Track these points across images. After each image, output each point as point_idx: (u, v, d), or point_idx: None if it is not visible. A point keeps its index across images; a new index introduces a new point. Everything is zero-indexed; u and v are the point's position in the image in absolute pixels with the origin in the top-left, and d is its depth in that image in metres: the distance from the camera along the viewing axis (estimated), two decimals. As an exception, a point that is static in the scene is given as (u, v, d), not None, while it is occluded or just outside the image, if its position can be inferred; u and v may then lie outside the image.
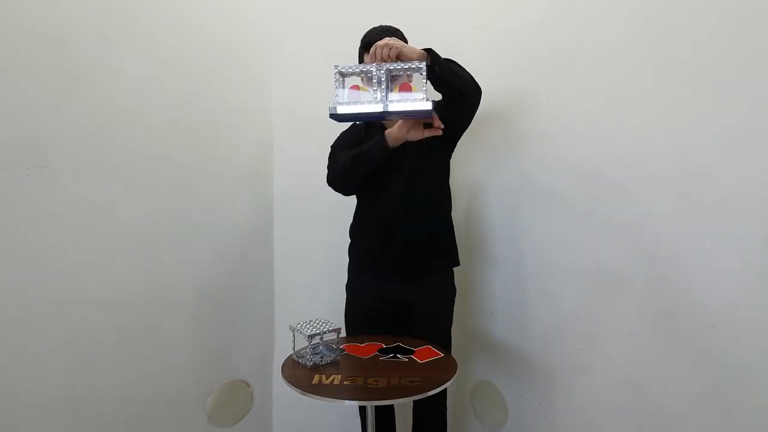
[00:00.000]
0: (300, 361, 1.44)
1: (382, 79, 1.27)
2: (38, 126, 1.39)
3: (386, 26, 1.59)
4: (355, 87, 1.32)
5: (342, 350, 1.49)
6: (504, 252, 1.87)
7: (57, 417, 1.46)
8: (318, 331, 1.42)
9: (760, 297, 1.19)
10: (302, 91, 1.98)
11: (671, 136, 1.35)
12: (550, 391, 1.72)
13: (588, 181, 1.57)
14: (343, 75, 1.32)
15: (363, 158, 1.55)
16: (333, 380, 1.32)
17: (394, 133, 1.50)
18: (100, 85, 1.52)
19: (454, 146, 1.70)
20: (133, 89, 1.60)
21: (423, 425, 1.76)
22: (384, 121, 1.63)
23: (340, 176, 1.61)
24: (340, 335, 1.58)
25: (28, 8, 1.36)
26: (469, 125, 1.63)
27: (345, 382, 1.31)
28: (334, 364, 1.43)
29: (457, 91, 1.47)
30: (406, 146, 1.55)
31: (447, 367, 1.39)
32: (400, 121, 1.48)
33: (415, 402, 1.76)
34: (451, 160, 1.74)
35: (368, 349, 1.49)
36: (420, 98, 1.26)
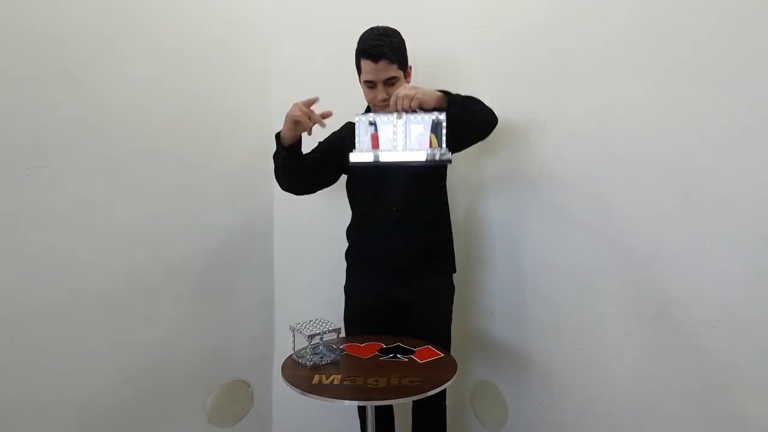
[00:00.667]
0: (300, 361, 1.44)
1: (403, 130, 1.30)
2: (38, 126, 1.39)
3: (382, 29, 1.56)
4: (375, 135, 1.33)
5: (342, 350, 1.49)
6: (504, 252, 1.87)
7: (57, 417, 1.46)
8: (318, 331, 1.42)
9: (760, 297, 1.19)
10: (302, 91, 1.97)
11: (671, 136, 1.35)
12: (550, 391, 1.72)
13: (588, 181, 1.57)
14: (368, 123, 1.34)
15: (274, 159, 1.57)
16: (333, 380, 1.32)
17: (284, 133, 1.48)
18: (100, 85, 1.52)
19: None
20: (133, 89, 1.60)
21: (423, 425, 1.76)
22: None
23: (279, 176, 1.61)
24: (340, 335, 1.58)
25: (28, 8, 1.36)
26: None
27: (345, 382, 1.31)
28: (334, 364, 1.43)
29: (472, 128, 1.50)
30: (396, 171, 1.57)
31: (447, 367, 1.39)
32: (288, 121, 1.44)
33: (414, 402, 1.76)
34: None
35: (368, 349, 1.49)
36: (441, 151, 1.29)
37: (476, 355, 1.99)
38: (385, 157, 1.29)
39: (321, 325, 1.45)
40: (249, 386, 2.00)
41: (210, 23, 1.80)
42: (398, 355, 1.40)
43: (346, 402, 1.24)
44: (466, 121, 1.43)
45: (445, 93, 1.40)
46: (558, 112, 1.65)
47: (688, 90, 1.31)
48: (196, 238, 1.80)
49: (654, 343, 1.41)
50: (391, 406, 1.81)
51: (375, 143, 1.31)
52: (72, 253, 1.48)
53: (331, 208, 1.90)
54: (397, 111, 1.34)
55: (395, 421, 1.85)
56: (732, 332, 1.24)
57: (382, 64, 1.49)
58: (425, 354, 1.45)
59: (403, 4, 1.93)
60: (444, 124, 1.28)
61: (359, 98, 1.65)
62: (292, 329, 1.48)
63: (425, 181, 1.65)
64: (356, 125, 1.32)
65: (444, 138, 1.29)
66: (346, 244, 1.77)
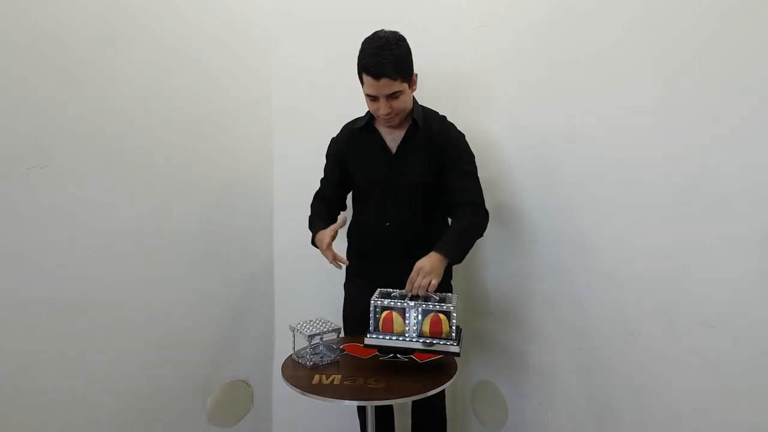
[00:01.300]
0: (300, 361, 1.44)
1: (415, 316, 1.37)
2: (38, 126, 1.39)
3: (384, 39, 1.49)
4: (389, 315, 1.40)
5: (342, 350, 1.49)
6: (504, 252, 1.87)
7: (56, 417, 1.46)
8: (318, 331, 1.42)
9: (760, 297, 1.19)
10: (302, 91, 1.98)
11: (671, 136, 1.35)
12: (550, 391, 1.72)
13: (588, 181, 1.57)
14: (379, 308, 1.42)
15: (311, 226, 1.68)
16: (333, 380, 1.33)
17: (319, 243, 1.58)
18: (100, 85, 1.52)
19: None
20: (133, 89, 1.60)
21: (423, 425, 1.76)
22: (377, 126, 1.64)
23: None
24: (340, 335, 1.58)
25: (28, 8, 1.36)
26: None
27: (345, 382, 1.31)
28: (334, 364, 1.43)
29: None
30: (399, 171, 1.60)
31: (447, 368, 1.39)
32: (326, 243, 1.54)
33: (414, 402, 1.75)
34: None
35: (368, 349, 1.49)
36: (449, 343, 1.35)
37: (476, 355, 1.99)
38: (398, 344, 1.36)
39: (321, 325, 1.45)
40: (249, 386, 2.00)
41: (210, 23, 1.80)
42: (398, 355, 1.40)
43: (346, 402, 1.25)
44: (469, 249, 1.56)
45: (445, 254, 1.46)
46: (558, 111, 1.65)
47: (688, 90, 1.31)
48: (196, 238, 1.80)
49: (654, 343, 1.41)
50: (391, 406, 1.81)
51: (388, 325, 1.38)
52: (72, 253, 1.48)
53: (331, 208, 1.90)
54: (411, 292, 1.42)
55: (395, 421, 1.85)
56: (732, 332, 1.24)
57: (384, 81, 1.46)
58: (425, 354, 1.45)
59: (403, 4, 1.93)
60: (454, 313, 1.37)
61: (359, 98, 1.65)
62: (292, 329, 1.48)
63: (424, 198, 1.65)
64: (371, 307, 1.40)
65: (454, 325, 1.37)
66: (346, 245, 1.78)
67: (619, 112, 1.47)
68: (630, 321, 1.47)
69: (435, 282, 1.40)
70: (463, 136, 1.67)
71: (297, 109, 1.99)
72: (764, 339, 1.19)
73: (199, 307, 1.83)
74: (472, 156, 1.65)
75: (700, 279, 1.30)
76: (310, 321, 1.50)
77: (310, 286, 2.00)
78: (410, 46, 1.56)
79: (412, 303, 1.36)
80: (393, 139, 1.63)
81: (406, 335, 1.36)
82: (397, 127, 1.62)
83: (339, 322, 1.68)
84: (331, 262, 1.57)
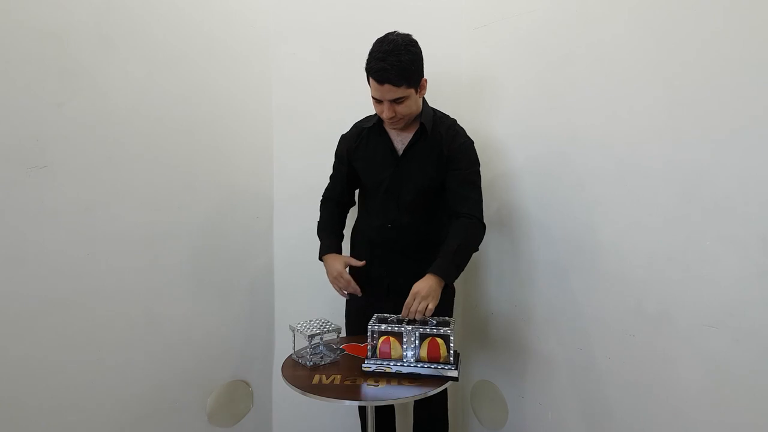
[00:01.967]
0: (300, 361, 1.44)
1: (413, 340, 1.38)
2: (38, 126, 1.39)
3: (392, 44, 1.43)
4: (387, 340, 1.40)
5: (342, 350, 1.49)
6: (504, 252, 1.87)
7: (56, 417, 1.46)
8: (318, 331, 1.42)
9: (760, 297, 1.19)
10: (302, 91, 1.98)
11: (672, 136, 1.35)
12: (550, 391, 1.72)
13: (588, 181, 1.57)
14: (379, 333, 1.42)
15: (319, 236, 1.73)
16: (333, 380, 1.33)
17: (329, 267, 1.63)
18: (100, 85, 1.52)
19: None
20: (133, 89, 1.60)
21: (424, 425, 1.76)
22: (386, 128, 1.63)
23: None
24: (340, 335, 1.58)
25: (28, 8, 1.36)
26: None
27: (345, 382, 1.31)
28: (334, 364, 1.43)
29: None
30: (404, 175, 1.60)
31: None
32: (335, 267, 1.61)
33: (415, 402, 1.76)
34: None
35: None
36: (448, 367, 1.35)
37: (476, 355, 1.99)
38: (396, 368, 1.36)
39: (321, 325, 1.45)
40: (249, 386, 2.00)
41: (210, 23, 1.80)
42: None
43: (346, 402, 1.25)
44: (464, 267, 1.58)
45: (441, 276, 1.47)
46: (558, 111, 1.65)
47: (688, 90, 1.31)
48: (197, 238, 1.80)
49: (654, 343, 1.41)
50: (391, 406, 1.81)
51: (386, 351, 1.40)
52: (72, 253, 1.48)
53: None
54: (408, 316, 1.43)
55: (396, 421, 1.85)
56: (732, 332, 1.24)
57: (387, 86, 1.44)
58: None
59: (404, 3, 1.93)
60: (452, 337, 1.37)
61: (359, 98, 1.65)
62: (292, 329, 1.48)
63: (427, 202, 1.64)
64: (368, 332, 1.41)
65: (452, 349, 1.37)
66: (346, 245, 1.78)
67: (620, 112, 1.47)
68: (630, 321, 1.47)
69: (432, 306, 1.41)
70: (472, 143, 1.64)
71: (297, 109, 1.98)
72: (764, 339, 1.19)
73: (199, 307, 1.82)
74: (477, 165, 1.63)
75: (700, 279, 1.30)
76: (310, 321, 1.50)
77: (310, 286, 2.00)
78: (421, 51, 1.51)
79: (409, 328, 1.37)
80: (401, 140, 1.62)
81: (404, 361, 1.37)
82: (405, 129, 1.61)
83: (339, 322, 1.67)
84: (340, 290, 1.61)
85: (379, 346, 1.40)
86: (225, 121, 1.87)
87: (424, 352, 1.37)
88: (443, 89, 1.96)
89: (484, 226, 1.60)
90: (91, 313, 1.53)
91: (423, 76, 1.53)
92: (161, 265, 1.70)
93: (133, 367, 1.64)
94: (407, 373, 1.35)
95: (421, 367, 1.35)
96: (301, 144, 1.98)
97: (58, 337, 1.46)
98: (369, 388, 1.29)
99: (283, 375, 1.37)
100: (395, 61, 1.41)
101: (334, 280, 1.60)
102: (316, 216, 1.78)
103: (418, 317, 1.40)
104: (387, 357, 1.38)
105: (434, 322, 1.42)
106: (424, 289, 1.42)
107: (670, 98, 1.34)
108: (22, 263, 1.38)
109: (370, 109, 1.65)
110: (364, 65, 1.49)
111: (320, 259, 1.68)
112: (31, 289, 1.40)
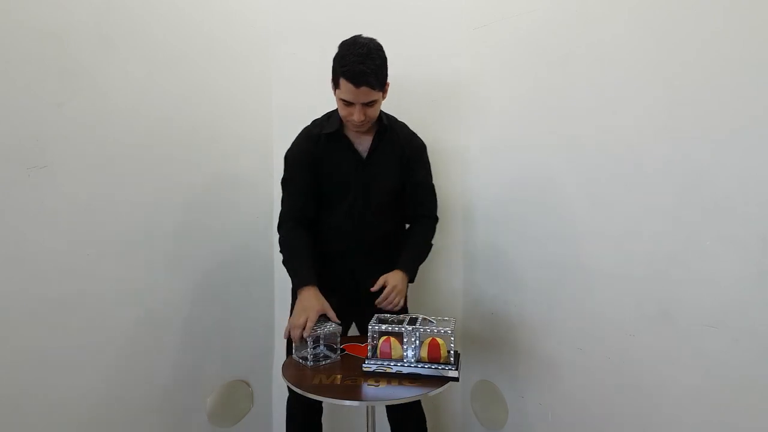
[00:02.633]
0: (300, 361, 1.44)
1: (413, 341, 1.37)
2: (38, 126, 1.39)
3: (365, 48, 1.44)
4: (388, 340, 1.40)
5: (342, 350, 1.49)
6: (503, 252, 1.87)
7: (56, 417, 1.46)
8: (318, 331, 1.42)
9: (760, 297, 1.19)
10: (302, 91, 1.98)
11: (671, 136, 1.35)
12: (550, 391, 1.72)
13: (588, 180, 1.57)
14: (379, 333, 1.41)
15: (288, 267, 1.58)
16: (333, 380, 1.32)
17: (305, 303, 1.45)
18: (100, 85, 1.52)
19: None
20: (133, 89, 1.60)
21: (402, 425, 1.75)
22: (346, 133, 1.61)
23: (280, 249, 1.62)
24: (334, 330, 1.54)
25: (28, 7, 1.36)
26: None
27: (345, 382, 1.31)
28: (334, 364, 1.43)
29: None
30: (371, 178, 1.60)
31: (447, 368, 1.39)
32: (310, 310, 1.43)
33: (389, 408, 1.76)
34: (451, 158, 1.81)
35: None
36: (448, 368, 1.35)
37: (476, 355, 1.99)
38: (397, 368, 1.36)
39: (321, 326, 1.45)
40: (249, 386, 2.00)
41: (210, 23, 1.80)
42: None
43: (346, 402, 1.25)
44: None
45: (408, 273, 1.58)
46: (558, 111, 1.65)
47: (688, 89, 1.31)
48: (196, 238, 1.80)
49: (654, 343, 1.41)
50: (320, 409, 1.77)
51: (387, 351, 1.39)
52: (72, 253, 1.48)
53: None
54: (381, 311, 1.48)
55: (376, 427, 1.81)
56: (732, 332, 1.24)
57: (363, 89, 1.44)
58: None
59: (403, 3, 1.93)
60: (452, 337, 1.37)
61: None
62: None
63: (390, 203, 1.66)
64: (369, 332, 1.40)
65: (452, 348, 1.37)
66: None
67: (620, 112, 1.47)
68: (630, 321, 1.47)
69: (400, 301, 1.53)
70: (425, 146, 1.71)
71: (297, 109, 1.98)
72: (764, 339, 1.19)
73: (199, 307, 1.82)
74: (430, 166, 1.72)
75: (700, 279, 1.30)
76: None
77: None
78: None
79: (410, 328, 1.37)
80: (360, 144, 1.62)
81: (405, 361, 1.37)
82: (365, 132, 1.61)
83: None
84: (295, 334, 1.42)
85: (379, 346, 1.40)
86: (225, 121, 1.87)
87: (424, 353, 1.37)
88: (443, 89, 1.96)
89: (438, 221, 1.72)
90: (91, 313, 1.53)
91: (387, 81, 1.54)
92: (161, 265, 1.70)
93: (133, 367, 1.64)
94: (407, 374, 1.35)
95: (422, 367, 1.35)
96: (301, 144, 1.98)
97: (57, 336, 1.45)
98: (369, 388, 1.29)
99: (284, 375, 1.37)
100: (372, 64, 1.43)
101: (300, 322, 1.40)
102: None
103: (394, 308, 1.49)
104: (387, 357, 1.38)
105: (434, 321, 1.42)
106: (400, 284, 1.53)
107: (670, 98, 1.35)
108: (22, 263, 1.38)
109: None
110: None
111: (296, 289, 1.52)
112: (31, 289, 1.40)
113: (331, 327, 1.45)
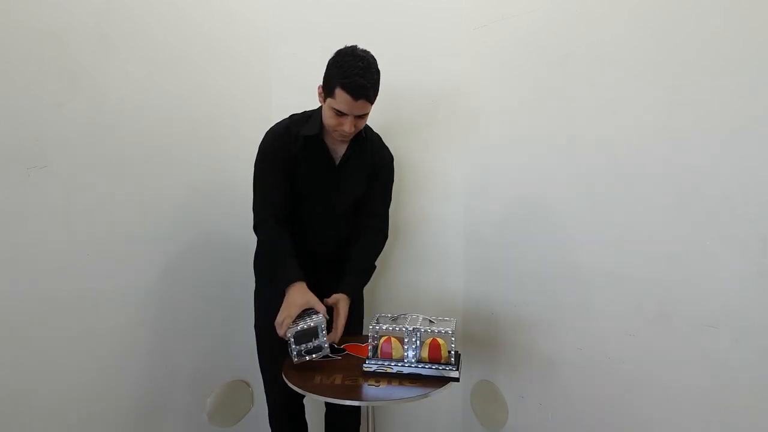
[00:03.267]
0: (295, 358, 1.40)
1: (414, 341, 1.37)
2: (38, 126, 1.39)
3: (365, 61, 1.43)
4: (388, 340, 1.40)
5: (342, 349, 1.49)
6: (504, 251, 1.87)
7: (56, 417, 1.46)
8: (297, 327, 1.37)
9: (760, 297, 1.19)
10: (302, 91, 1.98)
11: (672, 136, 1.35)
12: (550, 391, 1.72)
13: (588, 181, 1.57)
14: (377, 334, 1.41)
15: (273, 267, 1.54)
16: (333, 380, 1.32)
17: (295, 300, 1.42)
18: (100, 85, 1.52)
19: None
20: (133, 89, 1.60)
21: (336, 424, 1.77)
22: (325, 138, 1.60)
23: (261, 249, 1.66)
24: (323, 327, 1.45)
25: (28, 8, 1.36)
26: None
27: (346, 382, 1.31)
28: (334, 363, 1.41)
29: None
30: (340, 186, 1.60)
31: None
32: (302, 301, 1.42)
33: (327, 414, 1.77)
34: (451, 158, 1.83)
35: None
36: (449, 368, 1.35)
37: (476, 355, 1.99)
38: (397, 368, 1.36)
39: (303, 320, 1.39)
40: (249, 386, 2.00)
41: (210, 23, 1.80)
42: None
43: (347, 402, 1.24)
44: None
45: (353, 297, 1.56)
46: (558, 111, 1.65)
47: (688, 89, 1.31)
48: (197, 238, 1.80)
49: (654, 343, 1.41)
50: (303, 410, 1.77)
51: (387, 351, 1.39)
52: (72, 253, 1.48)
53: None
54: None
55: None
56: (732, 332, 1.24)
57: (361, 102, 1.44)
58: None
59: (403, 3, 1.93)
60: (453, 339, 1.37)
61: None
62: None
63: (354, 212, 1.66)
64: (370, 332, 1.41)
65: (453, 348, 1.37)
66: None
67: (620, 112, 1.47)
68: (630, 321, 1.47)
69: (340, 327, 1.50)
70: (393, 160, 1.72)
71: (297, 109, 1.98)
72: (764, 339, 1.19)
73: (199, 307, 1.83)
74: (392, 183, 1.73)
75: (700, 279, 1.30)
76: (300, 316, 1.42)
77: (309, 286, 2.00)
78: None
79: (410, 328, 1.37)
80: (335, 151, 1.61)
81: (405, 361, 1.37)
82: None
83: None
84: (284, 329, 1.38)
85: (380, 346, 1.40)
86: (225, 121, 1.87)
87: (425, 353, 1.37)
88: (443, 89, 1.96)
89: (386, 239, 1.72)
90: (91, 312, 1.53)
91: None
92: (161, 265, 1.70)
93: (133, 367, 1.64)
94: (408, 374, 1.35)
95: (422, 367, 1.35)
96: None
97: (57, 337, 1.45)
98: (370, 388, 1.29)
99: (284, 375, 1.37)
100: (371, 78, 1.43)
101: (279, 321, 1.38)
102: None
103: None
104: (388, 357, 1.38)
105: (435, 322, 1.42)
106: (346, 310, 1.52)
107: (670, 98, 1.35)
108: (22, 263, 1.38)
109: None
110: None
111: (283, 288, 1.46)
112: (31, 288, 1.40)
113: (313, 321, 1.39)
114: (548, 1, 1.65)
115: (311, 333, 1.38)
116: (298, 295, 1.43)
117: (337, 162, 1.61)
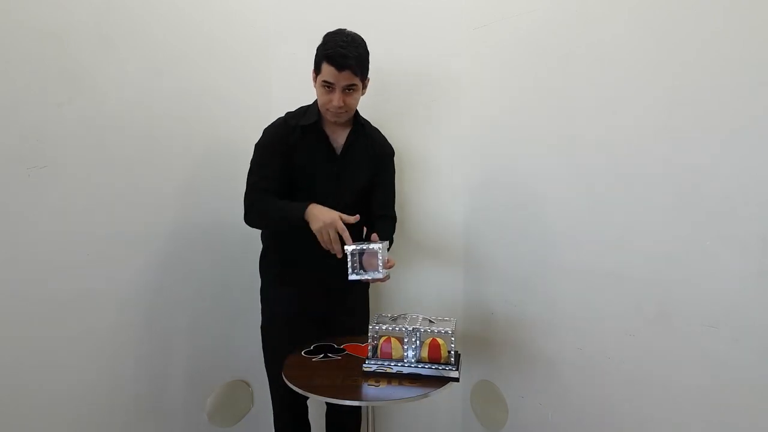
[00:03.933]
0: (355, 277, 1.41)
1: (415, 342, 1.38)
2: (38, 126, 1.39)
3: (349, 36, 1.50)
4: (388, 340, 1.40)
5: (343, 350, 1.50)
6: (504, 251, 1.87)
7: (57, 417, 1.46)
8: (357, 247, 1.40)
9: (760, 297, 1.19)
10: (302, 91, 1.98)
11: (671, 136, 1.35)
12: (550, 391, 1.72)
13: (588, 180, 1.57)
14: (377, 334, 1.42)
15: (281, 218, 1.51)
16: (333, 380, 1.33)
17: (321, 214, 1.41)
18: (100, 85, 1.52)
19: None
20: (133, 89, 1.60)
21: (337, 423, 1.77)
22: (323, 127, 1.60)
23: (258, 221, 1.58)
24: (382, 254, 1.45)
25: (28, 8, 1.36)
26: None
27: (346, 382, 1.32)
28: (335, 362, 1.42)
29: None
30: (345, 174, 1.60)
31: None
32: (331, 213, 1.41)
33: (328, 414, 1.77)
34: (451, 157, 1.82)
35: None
36: (449, 368, 1.35)
37: (476, 355, 1.99)
38: (397, 368, 1.37)
39: (361, 242, 1.43)
40: (249, 386, 2.00)
41: (210, 23, 1.80)
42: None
43: (347, 402, 1.25)
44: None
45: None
46: (558, 111, 1.65)
47: (688, 89, 1.31)
48: (196, 238, 1.80)
49: (654, 343, 1.41)
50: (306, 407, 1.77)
51: (387, 351, 1.39)
52: (72, 253, 1.48)
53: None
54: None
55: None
56: (732, 332, 1.24)
57: (345, 73, 1.47)
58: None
59: (403, 3, 1.93)
60: (453, 338, 1.37)
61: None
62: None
63: (358, 202, 1.64)
64: (369, 333, 1.41)
65: (453, 348, 1.37)
66: (262, 247, 1.75)
67: (620, 112, 1.47)
68: (630, 321, 1.47)
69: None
70: (394, 153, 1.74)
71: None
72: (764, 339, 1.19)
73: (199, 307, 1.83)
74: (395, 169, 1.76)
75: (700, 279, 1.30)
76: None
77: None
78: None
79: (410, 328, 1.37)
80: (336, 140, 1.61)
81: (405, 361, 1.37)
82: (341, 127, 1.62)
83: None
84: (329, 241, 1.40)
85: (380, 346, 1.40)
86: (225, 121, 1.87)
87: (425, 353, 1.37)
88: (443, 89, 1.96)
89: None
90: (90, 312, 1.53)
91: (368, 77, 1.57)
92: (161, 265, 1.70)
93: (133, 367, 1.64)
94: (408, 374, 1.35)
95: (422, 367, 1.35)
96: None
97: (57, 337, 1.45)
98: (370, 388, 1.29)
99: (284, 375, 1.37)
100: (355, 52, 1.48)
101: (328, 226, 1.38)
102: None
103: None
104: (388, 357, 1.38)
105: (434, 322, 1.42)
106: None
107: (670, 98, 1.35)
108: (22, 263, 1.38)
109: (368, 109, 1.65)
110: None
111: (302, 215, 1.43)
112: (31, 288, 1.40)
113: (374, 245, 1.40)
114: (548, 1, 1.65)
115: (372, 254, 1.41)
116: (324, 209, 1.43)
117: (339, 151, 1.61)
